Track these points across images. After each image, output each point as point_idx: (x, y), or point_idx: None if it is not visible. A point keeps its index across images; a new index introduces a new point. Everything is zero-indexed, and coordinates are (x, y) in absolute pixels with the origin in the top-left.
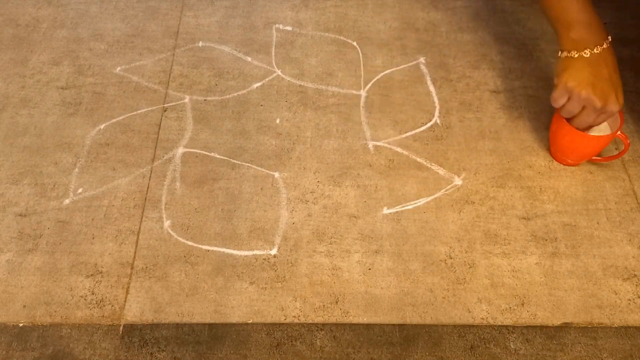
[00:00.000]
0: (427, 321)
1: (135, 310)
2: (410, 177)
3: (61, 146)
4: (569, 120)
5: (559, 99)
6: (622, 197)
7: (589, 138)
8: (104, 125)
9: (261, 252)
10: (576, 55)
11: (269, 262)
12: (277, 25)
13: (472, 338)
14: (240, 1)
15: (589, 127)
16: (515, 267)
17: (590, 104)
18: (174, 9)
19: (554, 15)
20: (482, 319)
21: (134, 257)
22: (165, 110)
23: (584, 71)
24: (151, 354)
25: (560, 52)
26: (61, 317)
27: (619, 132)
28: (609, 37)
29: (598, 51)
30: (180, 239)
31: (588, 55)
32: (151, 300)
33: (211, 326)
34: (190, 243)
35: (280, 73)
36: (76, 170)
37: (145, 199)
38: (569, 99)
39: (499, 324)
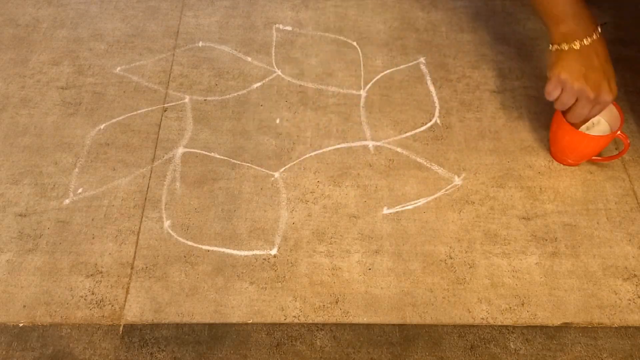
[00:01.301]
0: (427, 321)
1: (135, 310)
2: (410, 177)
3: (61, 146)
4: (564, 113)
5: (552, 91)
6: (622, 197)
7: (589, 138)
8: (104, 125)
9: (261, 252)
10: (566, 48)
11: (269, 262)
12: (277, 25)
13: (472, 338)
14: (240, 1)
15: (585, 121)
16: (515, 267)
17: (584, 94)
18: (174, 9)
19: (543, 9)
20: (482, 319)
21: (134, 257)
22: (165, 110)
23: (575, 63)
24: (151, 354)
25: (551, 46)
26: (61, 317)
27: (619, 132)
28: (599, 28)
29: (588, 42)
30: (180, 239)
31: (578, 47)
32: (151, 300)
33: (211, 326)
34: (190, 243)
35: (280, 73)
36: (76, 170)
37: (145, 199)
38: (562, 91)
39: (499, 324)
